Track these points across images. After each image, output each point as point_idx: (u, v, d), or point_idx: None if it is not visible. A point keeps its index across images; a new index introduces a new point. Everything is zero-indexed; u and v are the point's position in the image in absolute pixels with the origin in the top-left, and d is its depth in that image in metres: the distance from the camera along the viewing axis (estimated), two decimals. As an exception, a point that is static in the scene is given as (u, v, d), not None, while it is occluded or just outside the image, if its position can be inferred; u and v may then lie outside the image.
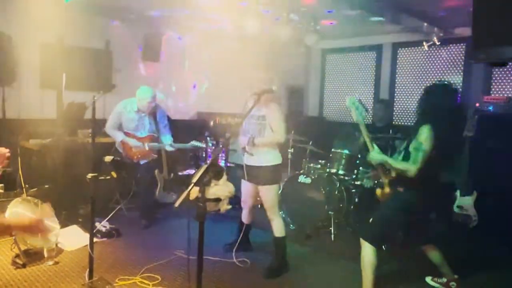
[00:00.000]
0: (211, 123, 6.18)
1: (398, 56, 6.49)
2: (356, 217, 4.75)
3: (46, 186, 4.60)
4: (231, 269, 3.72)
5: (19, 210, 3.73)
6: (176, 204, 2.21)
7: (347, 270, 3.74)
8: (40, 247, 3.75)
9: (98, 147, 4.93)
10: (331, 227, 4.57)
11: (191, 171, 5.97)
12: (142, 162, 4.72)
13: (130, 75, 6.09)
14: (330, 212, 4.58)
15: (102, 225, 4.37)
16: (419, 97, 3.15)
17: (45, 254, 3.73)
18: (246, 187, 3.81)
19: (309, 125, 6.27)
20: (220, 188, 3.24)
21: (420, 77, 6.20)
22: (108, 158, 2.85)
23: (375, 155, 3.08)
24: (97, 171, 2.92)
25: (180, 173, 5.91)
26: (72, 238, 4.12)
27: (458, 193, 4.52)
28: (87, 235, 3.13)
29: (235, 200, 4.95)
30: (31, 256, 3.68)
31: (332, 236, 4.55)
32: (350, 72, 7.12)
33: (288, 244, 3.81)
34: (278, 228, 3.64)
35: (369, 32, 6.32)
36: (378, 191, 3.25)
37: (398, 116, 6.54)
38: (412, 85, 6.33)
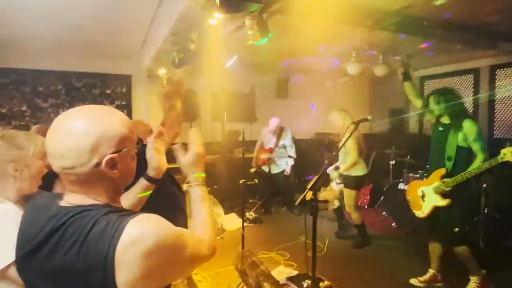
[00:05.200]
0: (326, 141, 6.36)
1: (496, 77, 5.66)
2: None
3: (215, 186, 5.54)
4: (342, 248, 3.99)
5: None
6: (296, 203, 2.55)
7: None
8: (212, 227, 4.50)
9: (248, 161, 5.63)
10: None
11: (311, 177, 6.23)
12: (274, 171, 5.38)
13: (267, 109, 6.67)
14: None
15: (250, 214, 4.96)
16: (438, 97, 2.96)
17: (215, 232, 4.47)
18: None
19: (409, 141, 5.92)
20: (328, 193, 3.44)
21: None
22: (252, 169, 3.34)
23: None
24: (246, 178, 3.44)
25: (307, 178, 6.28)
26: (232, 222, 4.83)
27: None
28: (241, 220, 3.64)
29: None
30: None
31: (430, 235, 4.27)
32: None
33: (388, 239, 3.73)
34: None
35: (465, 58, 5.71)
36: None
37: (500, 131, 5.67)
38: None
